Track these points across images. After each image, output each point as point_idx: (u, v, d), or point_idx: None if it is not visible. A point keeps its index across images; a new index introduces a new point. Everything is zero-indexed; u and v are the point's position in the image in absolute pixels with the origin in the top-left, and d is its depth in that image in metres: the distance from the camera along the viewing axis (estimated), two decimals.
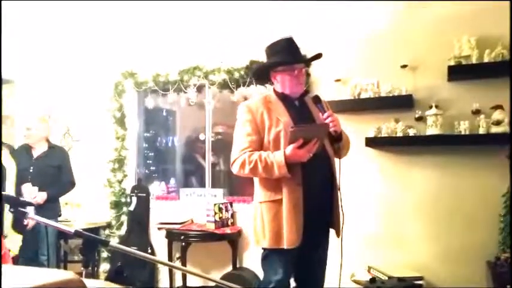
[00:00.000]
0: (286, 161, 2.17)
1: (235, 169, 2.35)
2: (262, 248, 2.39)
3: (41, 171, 3.87)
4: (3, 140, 3.75)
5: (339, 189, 2.41)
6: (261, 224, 2.33)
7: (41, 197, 3.72)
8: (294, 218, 2.23)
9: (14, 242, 3.52)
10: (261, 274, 2.58)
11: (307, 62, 2.46)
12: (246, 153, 2.28)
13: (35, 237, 3.90)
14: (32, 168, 3.92)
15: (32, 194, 3.70)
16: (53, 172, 3.91)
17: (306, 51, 3.74)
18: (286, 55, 2.38)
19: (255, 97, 3.05)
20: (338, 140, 2.39)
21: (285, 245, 2.24)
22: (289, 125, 2.24)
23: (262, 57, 3.77)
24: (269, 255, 2.36)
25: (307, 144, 2.17)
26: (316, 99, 2.40)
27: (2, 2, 3.83)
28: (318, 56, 2.49)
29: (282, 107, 2.37)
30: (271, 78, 2.48)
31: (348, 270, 3.37)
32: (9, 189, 3.35)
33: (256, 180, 2.42)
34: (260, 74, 2.59)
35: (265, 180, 2.33)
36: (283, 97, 2.41)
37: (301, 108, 2.43)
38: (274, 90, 2.47)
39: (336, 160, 2.44)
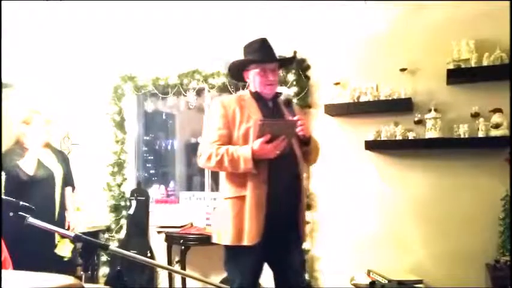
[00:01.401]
0: (253, 155, 2.17)
1: (201, 162, 2.34)
2: (225, 248, 2.37)
3: None
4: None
5: (306, 193, 2.40)
6: (224, 220, 2.32)
7: None
8: (256, 214, 2.22)
9: None
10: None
11: (278, 61, 2.47)
12: (214, 147, 2.29)
13: None
14: None
15: None
16: None
17: (305, 54, 3.79)
18: (258, 54, 2.41)
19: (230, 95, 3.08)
20: (306, 144, 2.40)
21: (246, 241, 2.23)
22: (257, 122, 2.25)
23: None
24: (230, 255, 2.35)
25: (275, 141, 2.17)
26: (287, 102, 2.43)
27: (2, 2, 3.84)
28: (291, 58, 2.51)
29: (254, 106, 2.39)
30: (244, 78, 2.51)
31: (347, 273, 3.38)
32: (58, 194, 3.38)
33: (222, 176, 2.42)
34: (234, 72, 2.60)
35: (231, 176, 2.33)
36: (257, 97, 2.43)
37: (273, 108, 2.45)
38: (249, 90, 2.50)
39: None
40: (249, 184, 2.26)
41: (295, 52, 2.51)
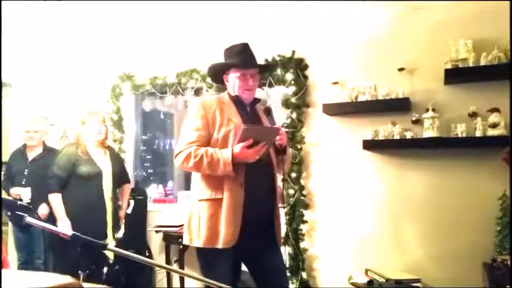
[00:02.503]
0: (233, 159, 2.17)
1: (178, 162, 2.32)
2: (199, 252, 2.34)
3: (36, 174, 3.86)
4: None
5: (283, 203, 2.42)
6: (197, 222, 2.30)
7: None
8: (232, 217, 2.22)
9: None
10: None
11: (256, 67, 2.47)
12: (192, 147, 2.27)
13: (29, 240, 3.90)
14: (26, 171, 3.92)
15: (25, 195, 3.71)
16: None
17: (303, 53, 3.80)
18: (238, 59, 2.41)
19: (209, 95, 3.09)
20: (283, 153, 2.42)
21: (220, 244, 2.22)
22: (240, 127, 2.24)
23: (259, 60, 3.82)
24: (207, 259, 2.32)
25: (256, 146, 2.18)
26: (267, 111, 2.45)
27: (2, 2, 3.84)
28: (271, 65, 2.50)
29: (234, 109, 2.39)
30: (224, 80, 2.51)
31: (345, 273, 3.38)
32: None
33: (196, 177, 2.40)
34: (213, 74, 2.59)
35: (207, 178, 2.31)
36: (235, 100, 2.43)
37: (251, 114, 2.46)
38: (228, 93, 2.49)
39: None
40: (225, 187, 2.25)
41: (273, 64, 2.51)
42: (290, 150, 2.56)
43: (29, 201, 3.70)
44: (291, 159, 2.59)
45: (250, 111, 2.46)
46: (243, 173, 2.26)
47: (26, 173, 3.91)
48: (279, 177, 2.46)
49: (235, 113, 2.38)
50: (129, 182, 4.05)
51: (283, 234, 2.53)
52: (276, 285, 2.39)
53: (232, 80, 2.43)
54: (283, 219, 2.55)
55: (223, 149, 2.23)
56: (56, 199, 3.43)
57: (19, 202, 3.57)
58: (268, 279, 2.39)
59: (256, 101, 2.51)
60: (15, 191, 3.74)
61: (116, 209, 3.73)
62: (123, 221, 3.88)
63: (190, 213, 2.37)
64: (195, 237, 2.31)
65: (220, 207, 2.25)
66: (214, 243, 2.24)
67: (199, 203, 2.34)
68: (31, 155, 4.01)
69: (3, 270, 1.29)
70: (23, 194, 3.72)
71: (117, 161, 3.82)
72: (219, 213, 2.25)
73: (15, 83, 4.92)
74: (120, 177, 3.80)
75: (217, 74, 2.53)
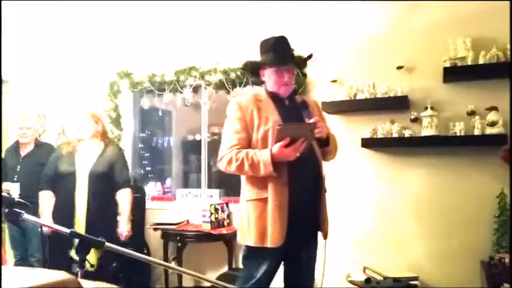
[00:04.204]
0: (273, 159, 2.17)
1: (222, 166, 2.35)
2: (247, 248, 2.38)
3: (28, 170, 3.86)
4: None
5: (325, 192, 2.40)
6: (247, 222, 2.33)
7: None
8: (278, 217, 2.23)
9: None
10: None
11: (293, 63, 2.45)
12: (233, 151, 2.28)
13: (24, 238, 3.89)
14: (19, 167, 3.92)
15: (14, 191, 3.71)
16: (41, 170, 3.62)
17: (302, 51, 3.78)
18: (274, 54, 2.38)
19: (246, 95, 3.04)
20: (325, 145, 2.40)
21: (269, 243, 2.24)
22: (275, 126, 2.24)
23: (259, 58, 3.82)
24: (251, 254, 2.36)
25: (294, 143, 2.17)
26: (303, 105, 2.40)
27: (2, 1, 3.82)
28: (307, 58, 2.49)
29: (271, 106, 2.38)
30: (261, 75, 2.50)
31: (343, 270, 3.38)
32: None
33: (243, 178, 2.42)
34: (252, 70, 2.59)
35: (252, 178, 2.33)
36: (273, 96, 2.42)
37: (290, 108, 2.42)
38: (265, 89, 2.48)
39: (325, 163, 2.43)
40: (269, 187, 2.26)
41: (311, 54, 2.49)
42: (334, 137, 2.50)
43: (18, 197, 3.68)
44: (337, 145, 2.54)
45: (288, 105, 2.43)
46: (286, 172, 2.24)
47: (18, 169, 3.91)
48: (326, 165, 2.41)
49: (272, 110, 2.36)
50: (125, 187, 3.52)
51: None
52: (304, 284, 2.43)
53: (268, 75, 2.42)
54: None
55: (263, 150, 2.23)
56: (41, 196, 3.41)
57: (16, 199, 3.55)
58: (297, 279, 2.43)
59: (295, 92, 2.49)
60: (5, 186, 3.73)
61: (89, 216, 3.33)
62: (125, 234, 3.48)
63: (241, 213, 2.41)
64: (247, 236, 2.34)
65: (266, 207, 2.26)
66: (263, 242, 2.26)
67: (247, 203, 2.36)
68: (24, 151, 4.00)
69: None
70: (12, 189, 3.72)
71: (110, 162, 3.45)
72: (265, 213, 2.26)
73: (12, 80, 4.90)
74: (109, 178, 3.43)
75: (254, 69, 2.53)
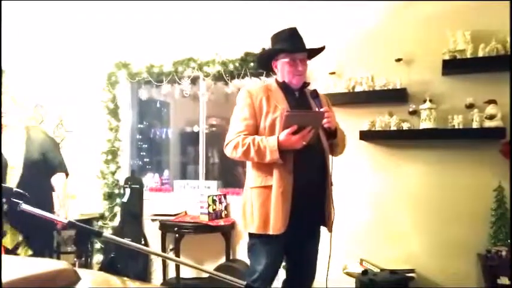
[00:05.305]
0: (279, 146, 2.17)
1: (228, 151, 2.35)
2: (249, 236, 2.39)
3: None
4: None
5: (332, 185, 2.40)
6: (251, 209, 2.34)
7: None
8: (281, 204, 2.23)
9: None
10: None
11: (307, 51, 2.44)
12: (240, 136, 2.29)
13: None
14: None
15: None
16: None
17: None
18: (287, 44, 2.38)
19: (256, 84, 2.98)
20: (333, 136, 2.39)
21: (271, 230, 2.25)
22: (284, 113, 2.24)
23: (257, 49, 3.80)
24: (256, 244, 2.36)
25: (302, 131, 2.17)
26: (314, 94, 2.40)
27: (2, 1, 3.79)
28: (320, 49, 2.48)
29: (281, 95, 2.38)
30: (273, 67, 2.49)
31: (340, 262, 3.40)
32: None
33: (249, 165, 2.43)
34: (262, 61, 2.59)
35: (257, 165, 2.34)
36: (283, 86, 2.42)
37: (300, 99, 2.43)
38: (276, 80, 2.48)
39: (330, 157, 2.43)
40: (274, 174, 2.26)
41: (324, 46, 2.48)
42: (342, 131, 2.51)
43: None
44: (345, 140, 2.54)
45: (298, 96, 2.44)
46: (292, 160, 2.25)
47: None
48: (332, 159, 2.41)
49: (282, 99, 2.36)
50: (61, 171, 3.30)
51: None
52: (305, 279, 2.44)
53: (281, 65, 2.41)
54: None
55: (270, 137, 2.24)
56: None
57: (14, 189, 3.52)
58: (300, 270, 2.44)
59: (306, 85, 2.49)
60: None
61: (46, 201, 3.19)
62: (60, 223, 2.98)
63: (244, 200, 2.41)
64: (250, 223, 2.34)
65: (270, 194, 2.27)
66: (266, 229, 2.27)
67: (251, 190, 2.36)
68: None
69: None
70: None
71: (37, 146, 3.23)
72: (269, 200, 2.27)
73: (9, 70, 4.87)
74: (44, 165, 3.24)
75: (266, 61, 2.51)
